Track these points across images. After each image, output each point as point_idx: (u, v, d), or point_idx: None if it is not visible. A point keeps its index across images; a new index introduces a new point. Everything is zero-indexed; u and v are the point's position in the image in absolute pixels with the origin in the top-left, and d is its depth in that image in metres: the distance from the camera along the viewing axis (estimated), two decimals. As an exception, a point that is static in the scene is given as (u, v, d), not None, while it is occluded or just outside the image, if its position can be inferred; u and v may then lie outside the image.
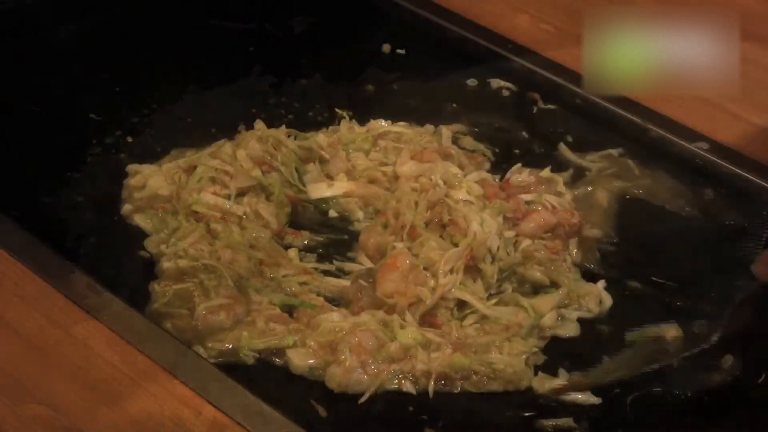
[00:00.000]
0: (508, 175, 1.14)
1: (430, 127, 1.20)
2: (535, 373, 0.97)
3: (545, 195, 1.11)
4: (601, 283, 1.05)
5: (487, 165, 1.17)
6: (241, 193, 1.08)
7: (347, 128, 1.19)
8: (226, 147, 1.13)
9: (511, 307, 1.02)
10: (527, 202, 1.10)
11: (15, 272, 0.95)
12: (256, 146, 1.13)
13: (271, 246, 1.06)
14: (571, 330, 1.02)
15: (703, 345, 0.94)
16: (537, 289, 1.05)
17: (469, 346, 0.97)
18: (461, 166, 1.14)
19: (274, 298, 1.01)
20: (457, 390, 0.94)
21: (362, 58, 1.30)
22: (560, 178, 1.14)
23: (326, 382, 0.94)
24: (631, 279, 1.06)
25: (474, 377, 0.95)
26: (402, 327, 0.98)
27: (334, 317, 0.98)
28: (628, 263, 1.07)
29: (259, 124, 1.17)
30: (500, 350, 0.97)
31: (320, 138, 1.17)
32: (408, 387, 0.94)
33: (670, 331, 0.99)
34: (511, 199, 1.11)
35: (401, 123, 1.20)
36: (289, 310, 1.00)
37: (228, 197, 1.08)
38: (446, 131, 1.20)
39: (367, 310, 1.00)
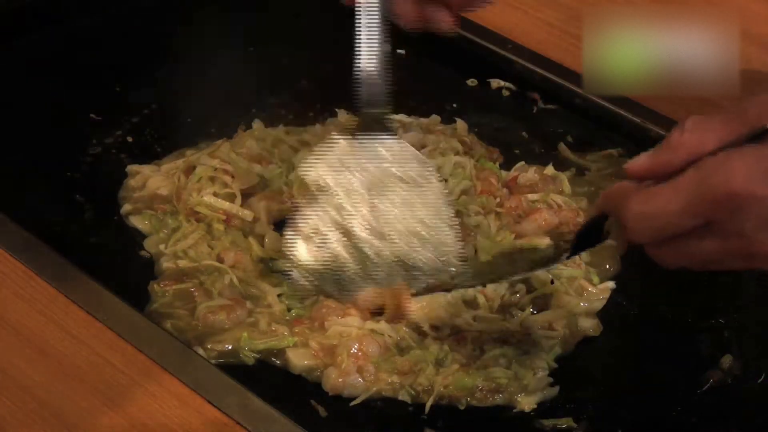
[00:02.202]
0: (514, 173, 1.14)
1: (436, 118, 1.20)
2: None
3: (552, 195, 1.11)
4: (610, 283, 1.05)
5: (501, 160, 1.17)
6: (245, 194, 1.09)
7: (345, 118, 1.19)
8: (224, 146, 1.13)
9: (551, 311, 1.01)
10: (532, 201, 1.10)
11: (15, 272, 0.95)
12: (254, 145, 1.13)
13: (272, 247, 1.06)
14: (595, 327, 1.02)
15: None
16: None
17: (479, 360, 0.96)
18: (470, 154, 1.15)
19: (276, 299, 1.01)
20: (462, 407, 0.94)
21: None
22: (564, 176, 1.14)
23: (322, 384, 0.94)
24: (636, 280, 1.06)
25: (478, 393, 0.95)
26: (426, 346, 0.97)
27: (350, 322, 0.98)
28: (630, 263, 1.07)
29: (257, 124, 1.18)
30: (509, 365, 0.96)
31: (317, 128, 1.17)
32: (404, 397, 0.94)
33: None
34: (512, 197, 1.11)
35: (401, 114, 1.20)
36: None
37: (228, 197, 1.08)
38: (462, 123, 1.20)
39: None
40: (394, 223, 0.99)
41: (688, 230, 0.72)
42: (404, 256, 0.99)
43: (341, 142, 1.00)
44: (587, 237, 0.84)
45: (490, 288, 1.02)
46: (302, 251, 0.99)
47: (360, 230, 0.99)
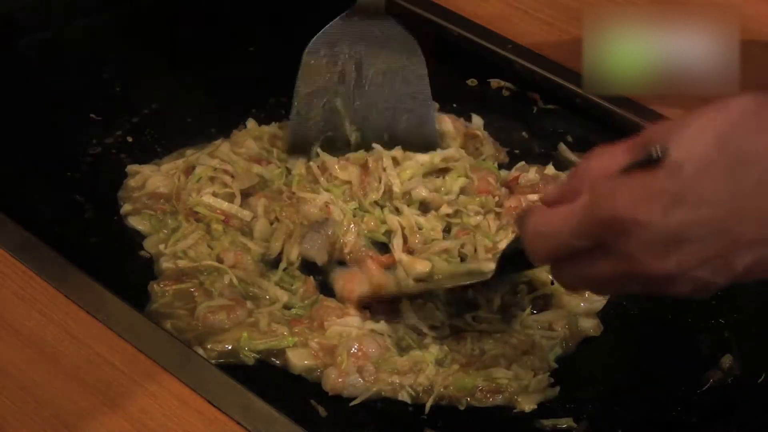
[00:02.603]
0: (515, 173, 1.14)
1: (434, 105, 1.21)
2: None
3: None
4: None
5: (507, 160, 1.18)
6: (245, 194, 1.09)
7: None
8: (224, 146, 1.13)
9: (551, 311, 1.02)
10: (532, 201, 1.10)
11: (15, 272, 0.95)
12: (252, 144, 1.13)
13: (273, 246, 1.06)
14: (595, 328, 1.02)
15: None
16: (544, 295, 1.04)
17: (479, 361, 0.96)
18: (478, 151, 1.15)
19: (277, 299, 1.01)
20: (462, 407, 0.94)
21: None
22: (565, 176, 1.14)
23: (322, 384, 0.94)
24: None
25: (478, 394, 0.95)
26: (426, 345, 0.97)
27: (350, 322, 0.98)
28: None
29: (251, 123, 1.18)
30: (509, 365, 0.96)
31: None
32: (404, 397, 0.94)
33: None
34: (512, 197, 1.11)
35: None
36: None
37: (228, 196, 1.08)
38: (477, 118, 1.21)
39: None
40: (379, 95, 1.14)
41: (580, 251, 0.76)
42: (387, 124, 1.15)
43: (338, 22, 1.12)
44: (514, 259, 0.87)
45: (489, 289, 1.02)
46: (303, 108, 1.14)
47: (350, 99, 1.14)
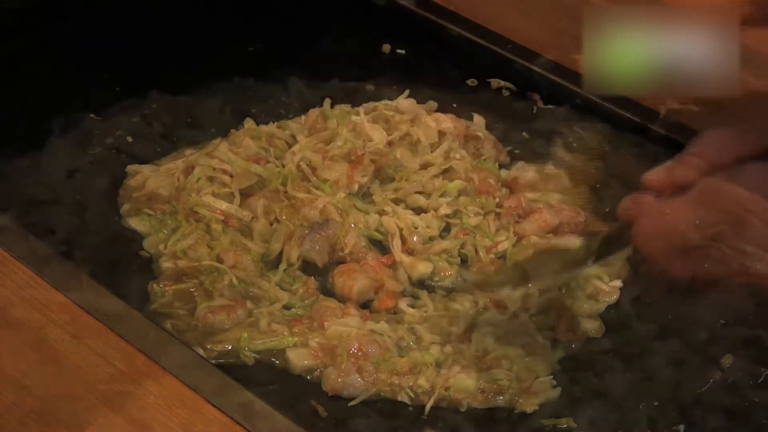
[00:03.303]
0: (515, 173, 1.14)
1: (433, 104, 1.21)
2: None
3: (551, 194, 1.11)
4: (618, 282, 1.05)
5: (508, 160, 1.18)
6: (244, 194, 1.09)
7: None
8: (222, 146, 1.13)
9: (554, 313, 1.01)
10: (532, 201, 1.10)
11: (15, 272, 0.95)
12: (251, 143, 1.13)
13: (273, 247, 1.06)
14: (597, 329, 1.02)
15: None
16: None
17: (481, 362, 0.96)
18: (479, 152, 1.15)
19: (277, 299, 1.01)
20: (463, 409, 0.94)
21: (362, 58, 1.30)
22: (565, 174, 1.14)
23: (321, 384, 0.94)
24: (637, 281, 1.06)
25: (479, 396, 0.95)
26: (426, 347, 0.97)
27: (350, 322, 0.98)
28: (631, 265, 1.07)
29: (249, 122, 1.18)
30: (511, 367, 0.96)
31: (301, 119, 1.18)
32: (404, 398, 0.94)
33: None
34: (512, 197, 1.11)
35: (385, 101, 1.20)
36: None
37: (227, 196, 1.08)
38: (479, 118, 1.21)
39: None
40: None
41: (696, 244, 0.75)
42: None
43: None
44: (612, 243, 0.87)
45: (504, 295, 1.01)
46: None
47: None
